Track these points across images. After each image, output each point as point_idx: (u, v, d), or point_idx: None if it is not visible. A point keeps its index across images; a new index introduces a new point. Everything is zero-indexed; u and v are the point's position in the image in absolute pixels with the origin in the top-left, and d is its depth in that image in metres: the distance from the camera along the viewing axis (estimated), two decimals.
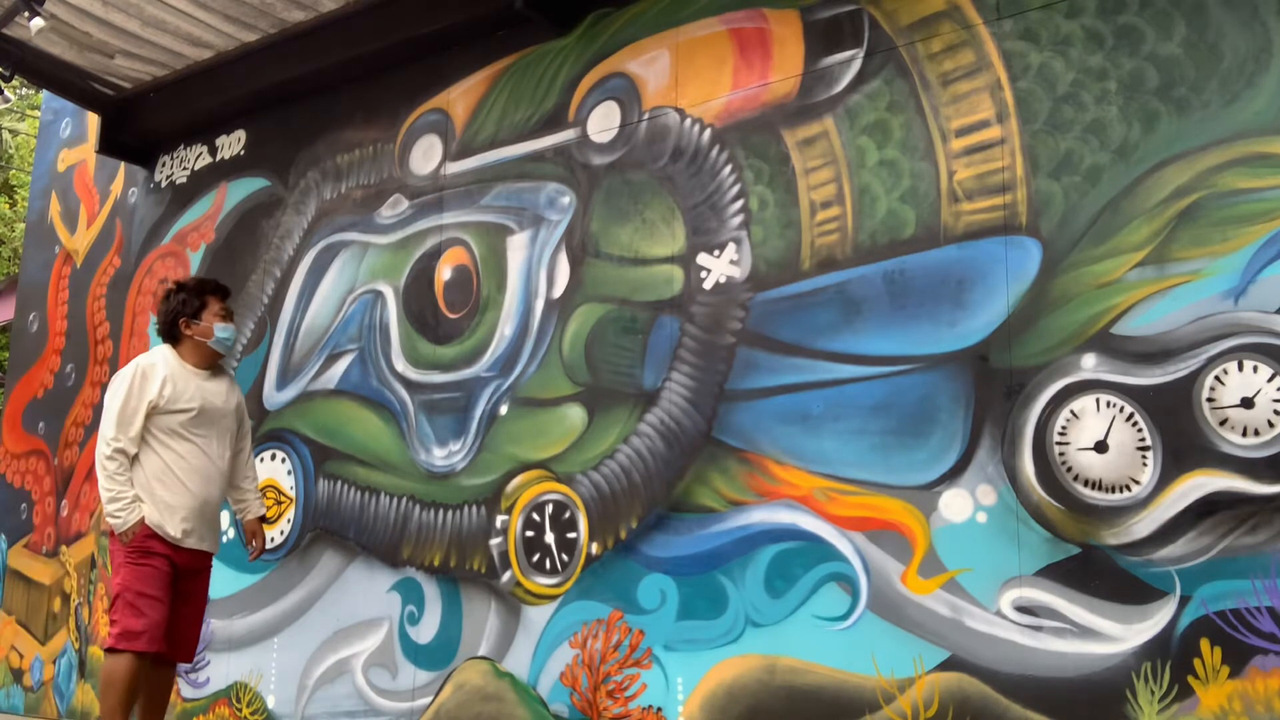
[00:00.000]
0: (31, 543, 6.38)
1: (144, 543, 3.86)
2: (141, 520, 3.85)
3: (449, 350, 4.68)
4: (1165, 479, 3.05)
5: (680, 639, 3.83)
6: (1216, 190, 3.10)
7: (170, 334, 4.09)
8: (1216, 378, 3.02)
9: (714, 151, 4.07)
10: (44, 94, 7.38)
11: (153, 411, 3.92)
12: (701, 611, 3.79)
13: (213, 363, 4.12)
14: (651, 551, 3.94)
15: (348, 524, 4.85)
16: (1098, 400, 3.18)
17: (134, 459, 3.91)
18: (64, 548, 6.13)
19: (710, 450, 3.86)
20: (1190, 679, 2.94)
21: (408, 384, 4.75)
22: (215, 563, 5.27)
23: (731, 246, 3.95)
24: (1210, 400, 3.02)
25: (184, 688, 5.30)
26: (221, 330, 4.08)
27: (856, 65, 3.80)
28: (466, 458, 4.51)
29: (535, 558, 4.23)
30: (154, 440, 3.93)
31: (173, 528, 3.89)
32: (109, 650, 3.83)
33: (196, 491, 3.96)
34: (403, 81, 5.08)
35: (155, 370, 3.98)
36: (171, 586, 3.90)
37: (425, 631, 4.50)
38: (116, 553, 3.91)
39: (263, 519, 4.31)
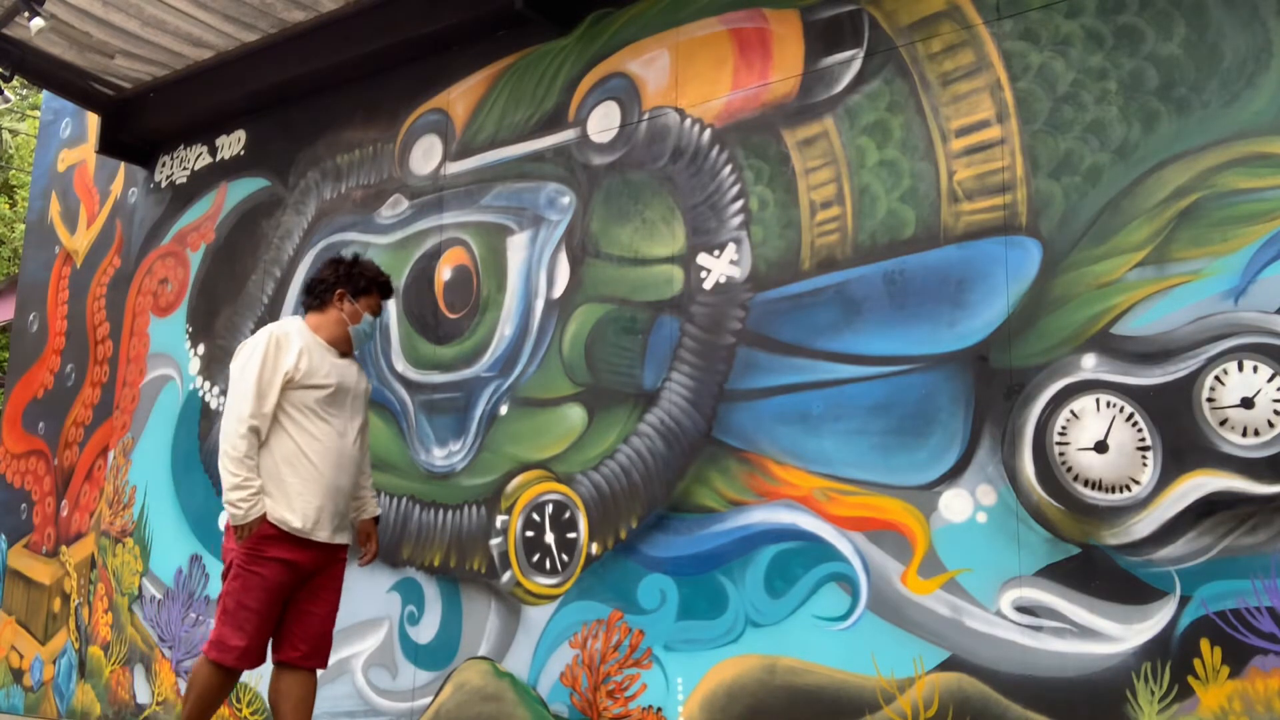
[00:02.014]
0: (31, 543, 6.38)
1: (259, 545, 3.45)
2: (262, 517, 3.44)
3: (449, 350, 4.68)
4: (1165, 479, 3.05)
5: (680, 639, 3.83)
6: (1216, 190, 3.10)
7: (319, 298, 3.75)
8: (1216, 378, 3.02)
9: (714, 151, 4.07)
10: (44, 94, 7.38)
11: (287, 385, 3.52)
12: (701, 611, 3.79)
13: (345, 348, 3.75)
14: (651, 551, 3.94)
15: None
16: (1098, 400, 3.18)
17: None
18: (64, 548, 6.13)
19: (710, 450, 3.86)
20: (1190, 679, 2.94)
21: (408, 384, 4.75)
22: (215, 562, 5.32)
23: (731, 246, 3.95)
24: (1210, 400, 3.02)
25: (184, 688, 5.29)
26: (367, 323, 3.76)
27: (856, 65, 3.80)
28: (466, 458, 4.51)
29: (535, 558, 4.23)
30: (285, 418, 3.53)
31: (300, 520, 3.48)
32: (202, 654, 3.54)
33: (330, 477, 3.56)
34: (403, 81, 5.08)
35: (290, 340, 3.58)
36: (285, 595, 3.52)
37: (425, 631, 4.50)
38: (231, 552, 3.53)
39: (376, 520, 3.93)
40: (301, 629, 3.58)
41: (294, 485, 3.49)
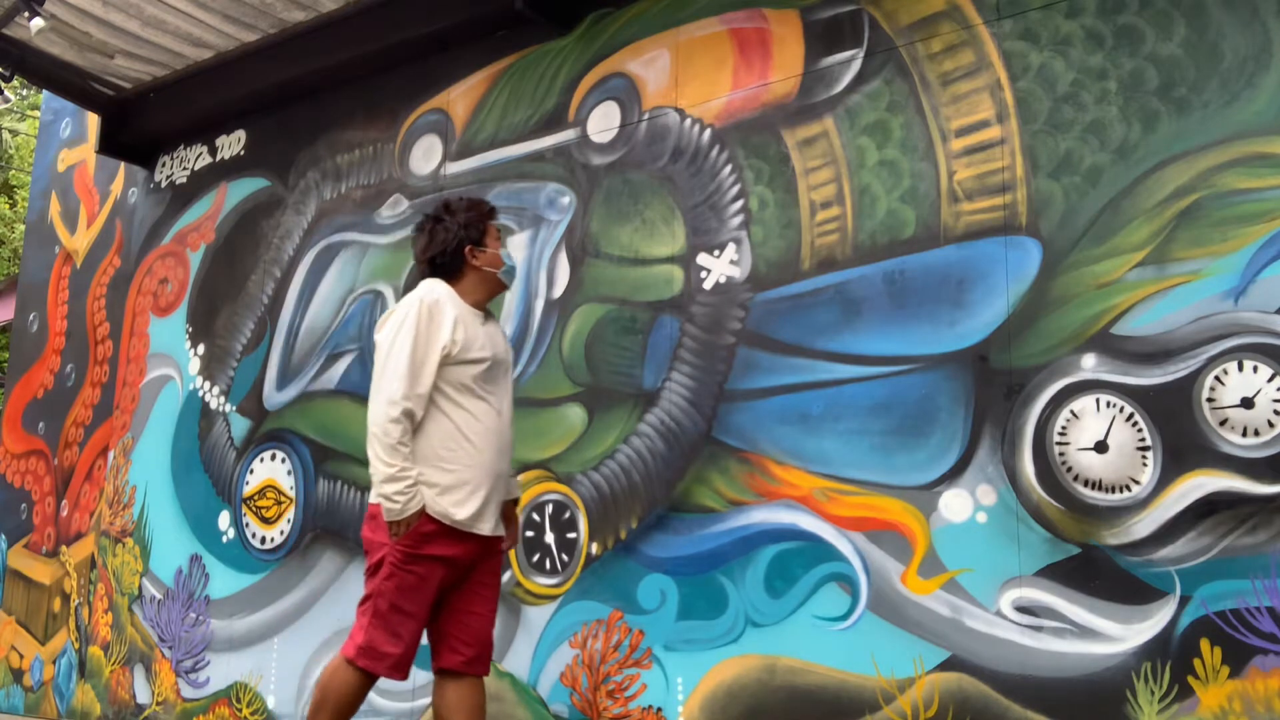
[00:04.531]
0: (31, 543, 6.38)
1: (420, 544, 3.06)
2: (421, 511, 3.05)
3: None
4: (1165, 479, 3.05)
5: (680, 639, 3.83)
6: (1216, 190, 3.10)
7: (449, 266, 3.28)
8: (1216, 378, 3.02)
9: (714, 151, 4.07)
10: (44, 94, 7.39)
11: (444, 362, 3.10)
12: (701, 611, 3.79)
13: (489, 302, 3.36)
14: (651, 551, 3.94)
15: (348, 524, 4.84)
16: (1098, 400, 3.18)
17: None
18: (64, 548, 6.13)
19: (710, 450, 3.86)
20: (1190, 679, 2.94)
21: None
22: (215, 561, 5.33)
23: (731, 246, 3.95)
24: (1210, 400, 3.02)
25: (184, 688, 5.30)
26: (508, 257, 3.30)
27: (856, 65, 3.80)
28: None
29: (535, 558, 4.23)
30: (440, 397, 3.11)
31: (462, 511, 3.09)
32: (345, 658, 3.14)
33: (491, 461, 3.17)
34: (403, 81, 5.08)
35: (443, 309, 3.14)
36: (439, 597, 3.15)
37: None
38: (379, 546, 3.11)
39: (517, 503, 3.51)
40: (462, 631, 3.21)
41: (456, 472, 3.10)
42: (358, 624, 3.15)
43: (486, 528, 3.18)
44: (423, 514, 3.06)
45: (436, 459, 3.10)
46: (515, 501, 3.48)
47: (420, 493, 3.05)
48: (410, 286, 4.81)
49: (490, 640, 3.28)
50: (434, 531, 3.08)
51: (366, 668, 3.10)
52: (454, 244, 3.28)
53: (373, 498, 3.15)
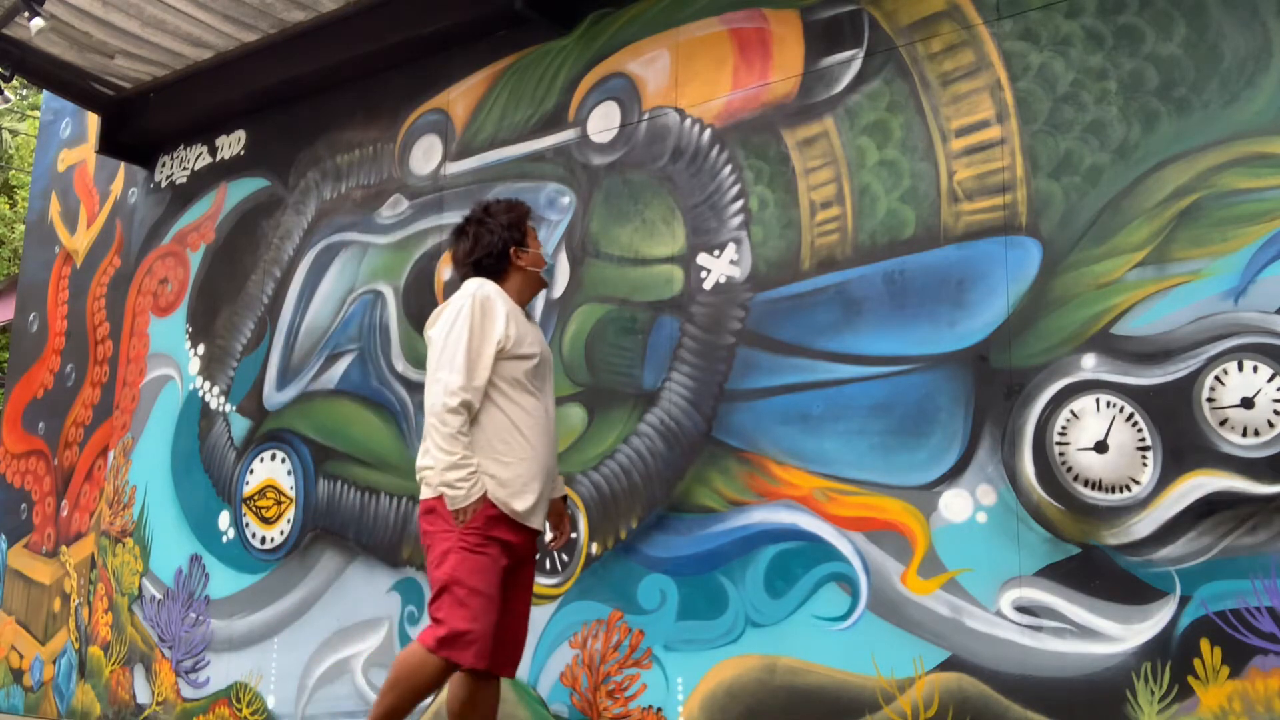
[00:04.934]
0: (31, 543, 6.38)
1: (484, 526, 3.10)
2: (484, 497, 3.10)
3: None
4: (1165, 479, 3.05)
5: (680, 639, 3.83)
6: (1216, 190, 3.10)
7: (495, 267, 3.35)
8: (1216, 378, 3.02)
9: (714, 151, 4.07)
10: (44, 94, 7.39)
11: (498, 356, 3.17)
12: (701, 611, 3.79)
13: (531, 300, 3.45)
14: (651, 551, 3.94)
15: (348, 524, 4.85)
16: (1098, 400, 3.18)
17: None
18: (64, 548, 6.13)
19: (710, 450, 3.86)
20: (1190, 679, 2.94)
21: (408, 384, 4.75)
22: (215, 561, 5.33)
23: (731, 246, 3.95)
24: (1210, 400, 3.02)
25: (184, 688, 5.30)
26: (548, 256, 3.38)
27: (856, 65, 3.80)
28: None
29: (535, 557, 4.23)
30: (495, 393, 3.17)
31: (520, 502, 3.15)
32: (427, 649, 3.08)
33: (543, 456, 3.23)
34: (403, 81, 5.08)
35: (494, 305, 3.21)
36: (504, 582, 3.16)
37: None
38: (441, 537, 3.12)
39: (565, 500, 3.58)
40: (497, 631, 3.17)
41: (511, 465, 3.16)
42: (435, 618, 3.11)
43: (538, 522, 3.25)
44: (485, 500, 3.11)
45: (492, 451, 3.16)
46: (564, 498, 3.58)
47: (482, 480, 3.11)
48: (410, 288, 4.83)
49: (523, 641, 3.32)
50: (497, 516, 3.14)
51: (450, 657, 3.07)
52: (499, 245, 3.36)
53: (428, 493, 3.18)
